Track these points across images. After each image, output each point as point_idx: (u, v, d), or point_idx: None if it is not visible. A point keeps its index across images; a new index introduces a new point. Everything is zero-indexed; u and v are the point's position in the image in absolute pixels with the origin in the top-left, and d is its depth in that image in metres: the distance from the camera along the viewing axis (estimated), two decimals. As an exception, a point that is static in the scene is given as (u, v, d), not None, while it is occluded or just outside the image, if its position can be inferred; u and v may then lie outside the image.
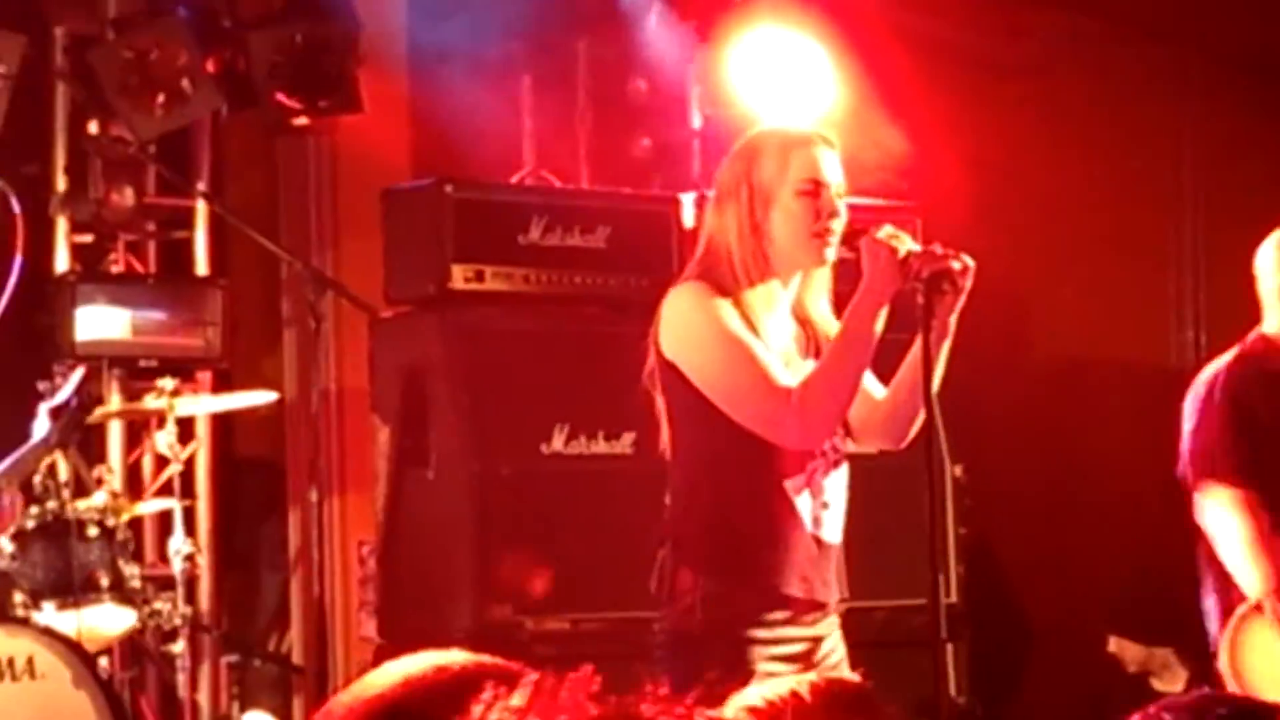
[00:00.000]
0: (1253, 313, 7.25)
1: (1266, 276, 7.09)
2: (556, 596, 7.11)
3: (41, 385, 7.01)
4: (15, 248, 5.21)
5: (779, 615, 5.37)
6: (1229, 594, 6.79)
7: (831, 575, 5.51)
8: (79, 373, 5.96)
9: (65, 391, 6.14)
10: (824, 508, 5.48)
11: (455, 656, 2.09)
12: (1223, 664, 6.70)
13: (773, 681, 3.27)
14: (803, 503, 5.44)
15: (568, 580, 7.12)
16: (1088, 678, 9.62)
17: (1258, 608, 6.64)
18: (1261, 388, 6.88)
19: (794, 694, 3.14)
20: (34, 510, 7.10)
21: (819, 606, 5.45)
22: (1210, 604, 6.93)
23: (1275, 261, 7.11)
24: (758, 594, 5.38)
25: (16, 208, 6.36)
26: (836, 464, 5.52)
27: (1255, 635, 6.63)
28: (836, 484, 5.53)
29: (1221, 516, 6.74)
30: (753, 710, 3.13)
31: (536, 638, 6.94)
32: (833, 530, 5.50)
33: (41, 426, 6.28)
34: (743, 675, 4.97)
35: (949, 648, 7.44)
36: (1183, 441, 6.94)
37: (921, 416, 5.43)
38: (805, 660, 5.36)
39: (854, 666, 5.52)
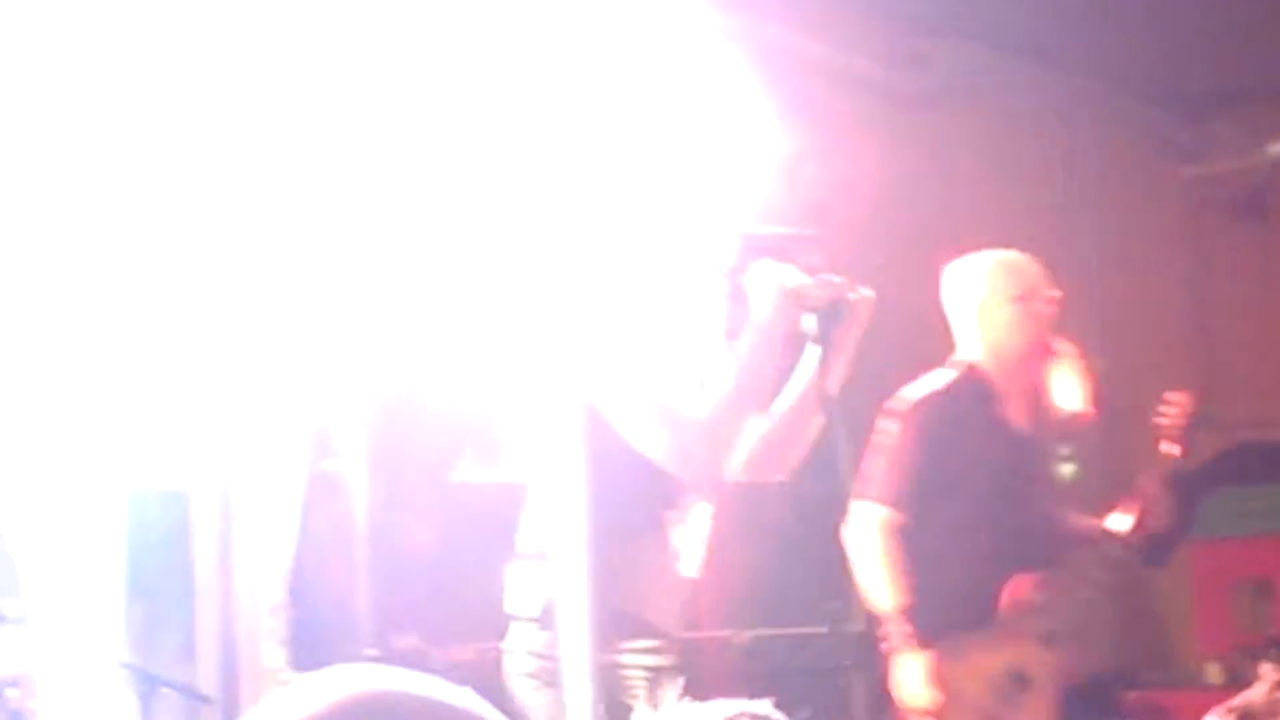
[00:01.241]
0: (1149, 335, 7.05)
1: (960, 302, 7.12)
2: (463, 626, 6.82)
3: None
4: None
5: (629, 636, 5.33)
6: None
7: (690, 606, 5.54)
8: None
9: None
10: (699, 543, 5.41)
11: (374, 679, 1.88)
12: None
13: (682, 712, 3.40)
14: (676, 536, 5.37)
15: (474, 609, 6.54)
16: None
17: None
18: (954, 426, 6.86)
19: None
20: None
21: (672, 637, 5.40)
22: None
23: (973, 287, 7.11)
24: (626, 622, 5.31)
25: None
26: (710, 498, 5.46)
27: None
28: (704, 517, 5.46)
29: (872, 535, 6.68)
30: None
31: (445, 667, 6.63)
32: (698, 565, 5.46)
33: None
34: (618, 696, 5.27)
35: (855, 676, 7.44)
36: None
37: (801, 453, 5.42)
38: (653, 685, 5.32)
39: (764, 694, 5.39)
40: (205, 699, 7.66)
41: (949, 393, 6.89)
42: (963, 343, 6.99)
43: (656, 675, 5.34)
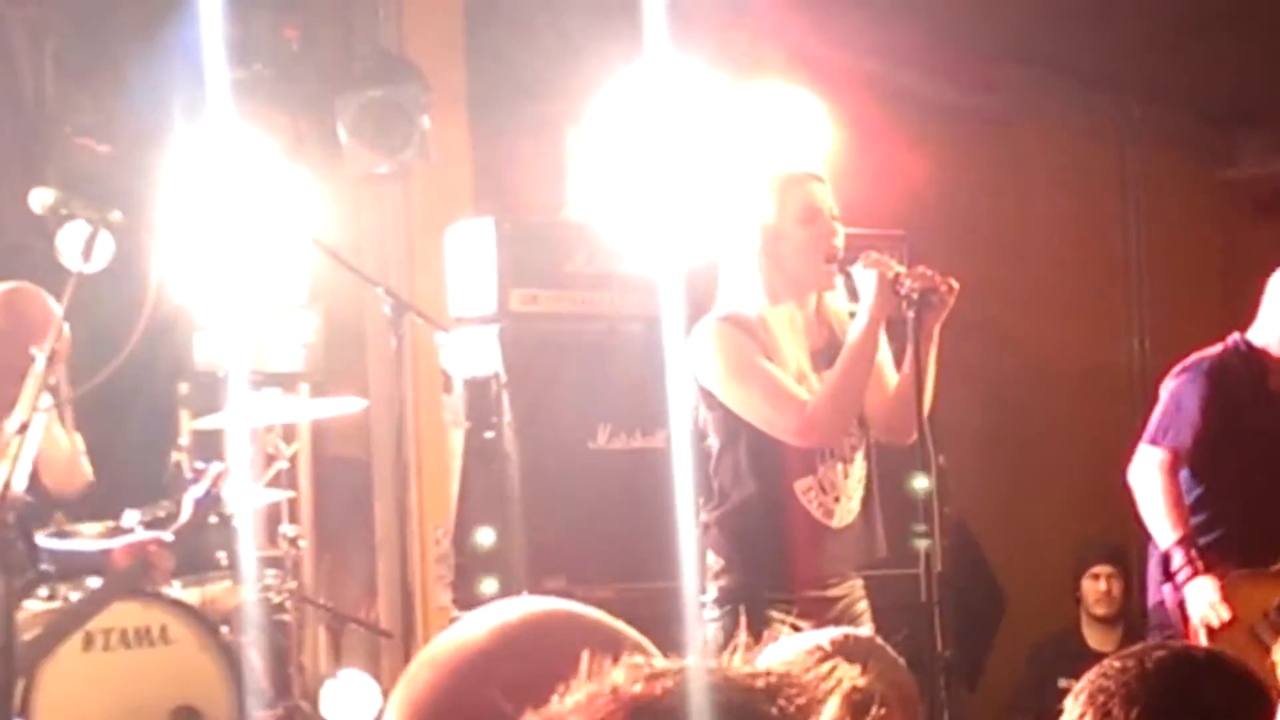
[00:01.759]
0: (1188, 323, 7.26)
1: (1273, 303, 7.00)
2: (602, 569, 7.15)
3: (190, 463, 7.20)
4: (149, 278, 5.28)
5: (784, 593, 5.48)
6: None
7: (847, 551, 5.65)
8: (213, 472, 5.82)
9: (202, 487, 6.08)
10: (835, 501, 5.57)
11: (538, 604, 1.96)
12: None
13: (797, 637, 3.37)
14: (810, 499, 5.55)
15: (611, 555, 7.19)
16: (1047, 631, 9.68)
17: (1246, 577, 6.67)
18: (1240, 374, 6.88)
19: (817, 647, 3.19)
20: (164, 502, 7.18)
21: (826, 581, 5.58)
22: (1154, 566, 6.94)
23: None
24: (768, 576, 5.51)
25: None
26: (848, 459, 5.60)
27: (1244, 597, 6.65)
28: (848, 477, 5.61)
29: (1152, 475, 6.77)
30: (785, 664, 3.14)
31: (588, 604, 6.91)
32: (844, 516, 5.59)
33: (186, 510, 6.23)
34: (760, 630, 5.27)
35: (937, 610, 7.57)
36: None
37: (917, 420, 5.53)
38: (818, 619, 5.35)
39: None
40: (386, 634, 7.96)
41: (1227, 359, 6.88)
42: (1260, 325, 6.96)
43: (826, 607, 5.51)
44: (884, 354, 5.69)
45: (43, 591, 6.37)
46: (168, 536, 6.19)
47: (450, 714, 1.82)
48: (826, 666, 1.78)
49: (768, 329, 5.52)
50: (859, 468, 5.67)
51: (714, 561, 5.58)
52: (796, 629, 5.29)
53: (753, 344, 5.48)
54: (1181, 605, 6.72)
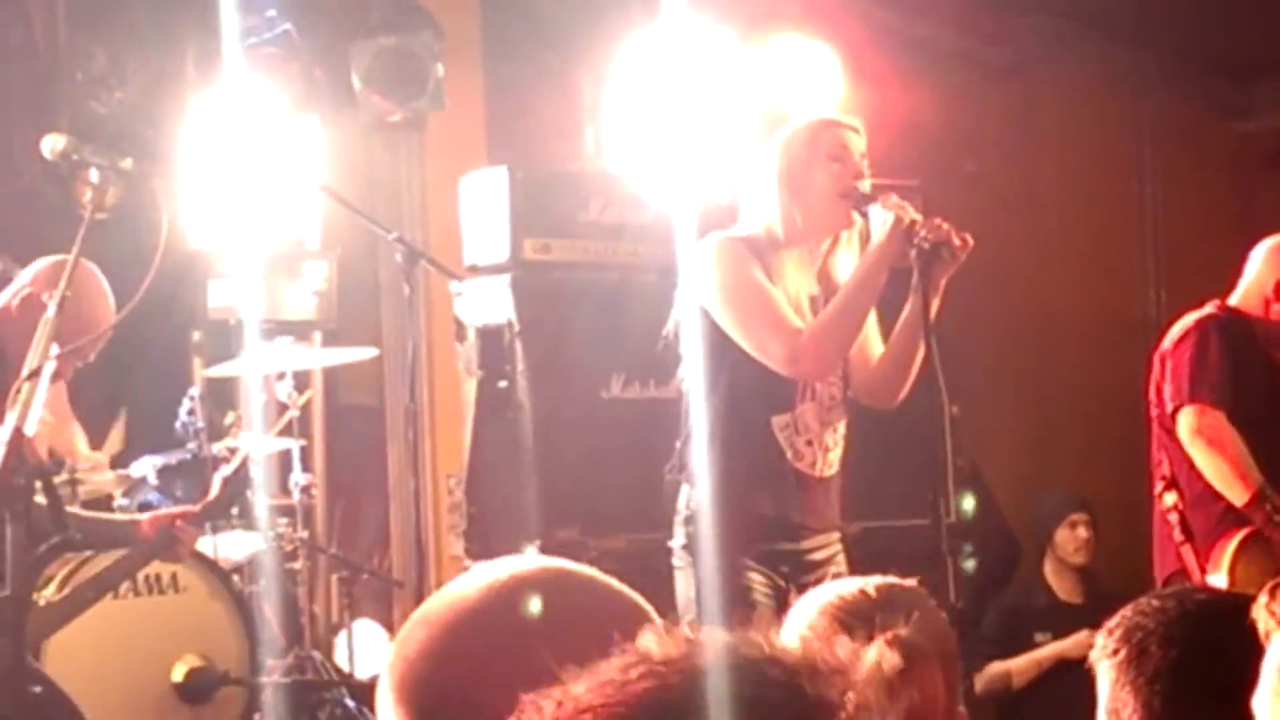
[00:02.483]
0: (1205, 276, 7.23)
1: (1252, 271, 6.95)
2: (615, 519, 7.13)
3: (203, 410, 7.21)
4: (161, 226, 5.23)
5: (762, 535, 5.44)
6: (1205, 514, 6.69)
7: (819, 502, 5.57)
8: (243, 453, 5.79)
9: (232, 466, 6.01)
10: (807, 445, 5.50)
11: (529, 562, 2.01)
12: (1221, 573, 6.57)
13: (841, 582, 3.31)
14: (785, 437, 5.49)
15: (624, 505, 7.10)
16: (1034, 579, 9.62)
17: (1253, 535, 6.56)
18: (1239, 336, 6.79)
19: (861, 592, 3.18)
20: (174, 449, 7.21)
21: (803, 530, 5.51)
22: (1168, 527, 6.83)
23: (1263, 263, 6.92)
24: (744, 516, 5.42)
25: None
26: (829, 410, 5.56)
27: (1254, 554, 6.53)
28: (830, 428, 5.56)
29: (1213, 433, 6.62)
30: (831, 606, 3.16)
31: (600, 554, 6.86)
32: (821, 465, 5.53)
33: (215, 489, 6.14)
34: (734, 586, 5.33)
35: (949, 560, 7.54)
36: (1168, 372, 6.80)
37: (910, 379, 5.53)
38: (792, 570, 5.41)
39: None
40: (398, 583, 8.07)
41: (1222, 320, 6.77)
42: (1241, 292, 6.88)
43: (785, 562, 5.43)
44: (872, 322, 5.62)
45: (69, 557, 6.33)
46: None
47: (442, 671, 1.87)
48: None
49: (777, 255, 5.48)
50: (841, 425, 5.62)
51: (683, 507, 5.55)
52: (770, 582, 5.42)
53: (756, 262, 5.43)
54: (1206, 564, 6.63)
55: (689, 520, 5.49)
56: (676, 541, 5.52)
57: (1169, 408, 6.76)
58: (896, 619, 3.09)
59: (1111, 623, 2.99)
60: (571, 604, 1.91)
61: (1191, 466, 6.71)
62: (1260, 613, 2.31)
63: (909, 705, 2.90)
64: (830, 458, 5.57)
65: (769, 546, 5.43)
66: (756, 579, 5.40)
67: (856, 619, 3.08)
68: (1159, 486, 6.83)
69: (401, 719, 1.87)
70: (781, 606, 4.85)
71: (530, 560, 1.98)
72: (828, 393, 5.57)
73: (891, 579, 3.29)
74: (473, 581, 1.94)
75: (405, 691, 1.87)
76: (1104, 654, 2.93)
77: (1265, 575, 6.26)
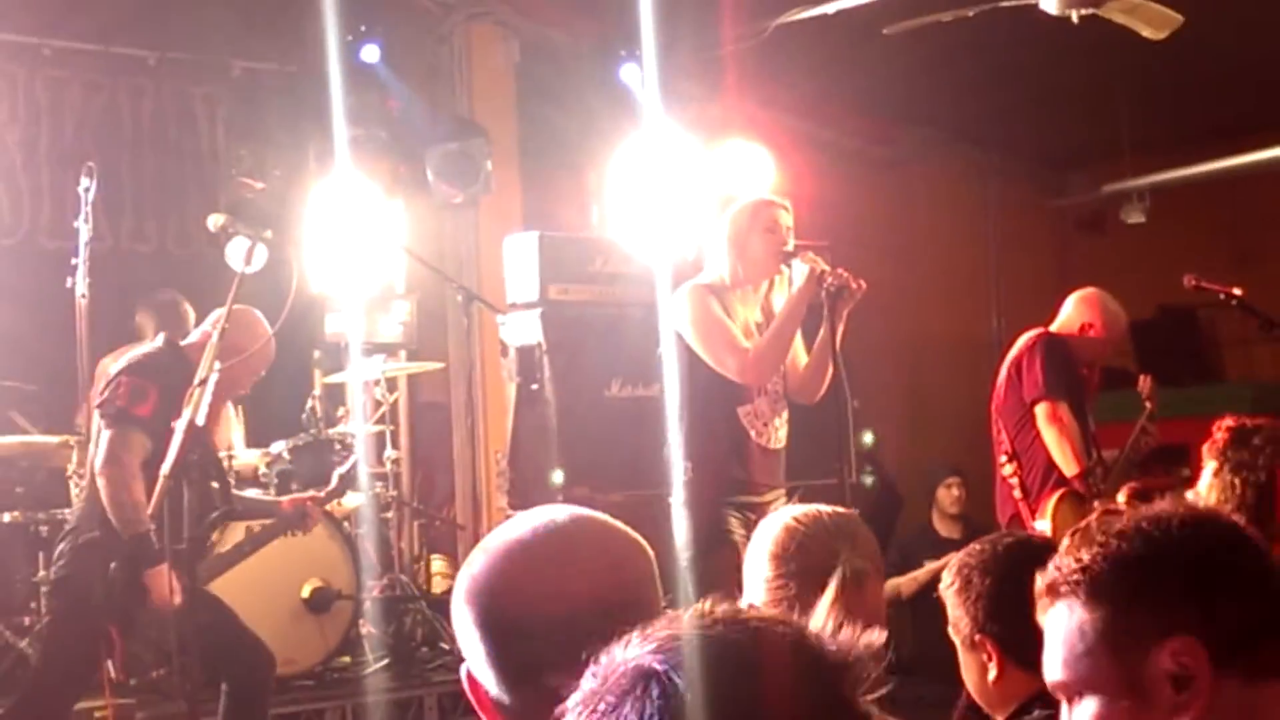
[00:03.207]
0: (1032, 310, 7.24)
1: (1071, 312, 6.92)
2: (615, 480, 7.05)
3: (320, 409, 7.23)
4: (292, 277, 5.27)
5: (736, 490, 5.44)
6: (1036, 478, 6.66)
7: (773, 467, 5.56)
8: (353, 459, 5.82)
9: (345, 466, 6.01)
10: (764, 426, 5.51)
11: (561, 510, 1.93)
12: (1045, 519, 6.52)
13: (795, 508, 3.11)
14: (749, 422, 5.51)
15: (621, 470, 7.08)
16: (907, 526, 9.65)
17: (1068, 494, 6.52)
18: (1067, 353, 6.77)
19: (818, 513, 3.01)
20: (301, 433, 7.21)
21: (763, 486, 5.50)
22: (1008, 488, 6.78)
23: (1079, 310, 6.91)
24: (723, 477, 5.45)
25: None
26: (776, 402, 5.56)
27: (1068, 507, 6.50)
28: (777, 415, 5.57)
29: (1061, 421, 6.59)
30: (795, 520, 2.99)
31: (603, 506, 6.83)
32: (773, 441, 5.53)
33: (333, 481, 6.17)
34: (718, 527, 5.32)
35: (855, 509, 7.54)
36: (1023, 374, 6.71)
37: (824, 382, 5.52)
38: (757, 515, 5.20)
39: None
40: (460, 527, 8.05)
41: (1058, 341, 6.74)
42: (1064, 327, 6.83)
43: (762, 508, 5.33)
44: (798, 342, 5.63)
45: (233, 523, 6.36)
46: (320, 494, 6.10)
47: (498, 587, 1.81)
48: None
49: (729, 296, 5.50)
50: (785, 412, 5.62)
51: (683, 470, 5.49)
52: (742, 522, 5.36)
53: (715, 301, 5.45)
54: (1031, 515, 6.60)
55: (687, 483, 5.46)
56: (676, 497, 5.47)
57: (1027, 400, 6.68)
58: (845, 542, 2.93)
59: (949, 563, 3.01)
60: (589, 538, 1.84)
61: (1030, 444, 6.66)
62: (1060, 551, 2.32)
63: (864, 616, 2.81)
64: (779, 435, 5.59)
65: (740, 499, 5.43)
66: (733, 520, 5.40)
67: (817, 545, 2.93)
68: (1001, 459, 6.76)
69: (470, 619, 1.81)
70: (748, 539, 4.97)
71: (561, 508, 1.91)
72: (774, 390, 5.58)
73: (836, 508, 3.12)
74: (522, 521, 1.88)
75: (472, 599, 1.81)
76: (945, 586, 2.94)
77: (1076, 521, 6.35)
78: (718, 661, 1.18)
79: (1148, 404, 6.94)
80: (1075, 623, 1.80)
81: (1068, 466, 6.54)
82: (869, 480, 7.26)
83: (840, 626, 1.24)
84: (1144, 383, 7.00)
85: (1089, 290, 6.98)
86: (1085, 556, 1.83)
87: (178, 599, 4.80)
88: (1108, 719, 1.76)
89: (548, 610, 1.75)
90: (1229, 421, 3.99)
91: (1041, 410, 6.63)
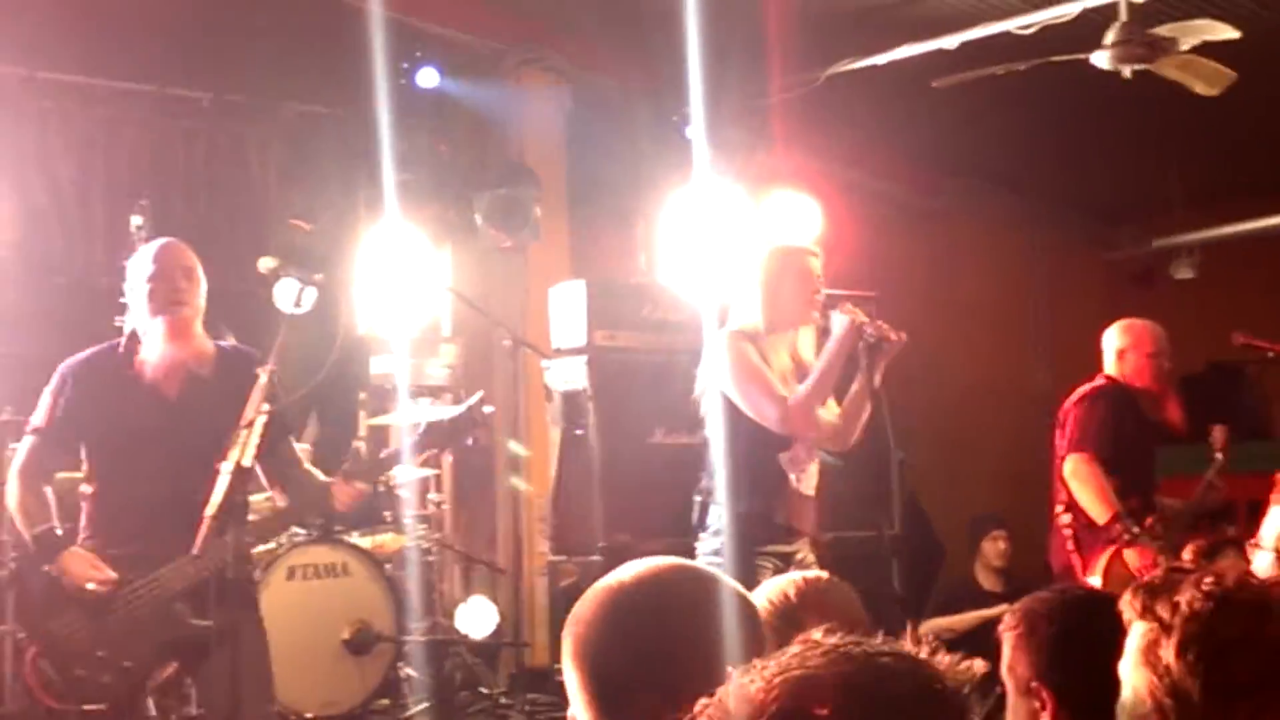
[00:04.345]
0: (1081, 365, 7.20)
1: (1106, 350, 6.90)
2: (657, 527, 6.93)
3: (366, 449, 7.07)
4: (339, 319, 5.28)
5: (771, 538, 5.37)
6: (1088, 531, 6.60)
7: (807, 513, 5.49)
8: (476, 397, 5.41)
9: (460, 409, 5.56)
10: (802, 472, 5.45)
11: (672, 561, 1.99)
12: (1096, 575, 6.48)
13: (771, 583, 3.11)
14: (789, 466, 5.44)
15: (664, 518, 6.90)
16: (948, 578, 9.60)
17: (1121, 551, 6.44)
18: (1123, 401, 6.74)
19: (784, 595, 3.03)
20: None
21: (795, 535, 5.42)
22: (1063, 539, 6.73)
23: (1108, 343, 6.91)
24: (762, 523, 5.38)
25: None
26: (812, 453, 5.50)
27: (1121, 564, 6.43)
28: (812, 461, 5.51)
29: (1083, 474, 6.56)
30: (764, 613, 3.00)
31: (644, 554, 6.79)
32: (808, 487, 5.47)
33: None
34: (751, 577, 5.01)
35: (894, 561, 7.52)
36: (1065, 427, 6.70)
37: (856, 432, 5.47)
38: (786, 565, 5.27)
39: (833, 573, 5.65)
40: (501, 570, 7.98)
41: (1108, 390, 6.75)
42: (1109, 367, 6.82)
43: (790, 555, 5.32)
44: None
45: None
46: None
47: (597, 632, 1.86)
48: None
49: (765, 343, 5.46)
50: (816, 461, 5.56)
51: (713, 516, 5.43)
52: (773, 571, 5.21)
53: (755, 350, 5.42)
54: (1084, 569, 6.53)
55: (719, 532, 5.38)
56: (705, 546, 5.41)
57: (1060, 455, 6.68)
58: (813, 616, 2.84)
59: (1014, 606, 2.99)
60: (688, 588, 1.90)
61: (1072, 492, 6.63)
62: (1124, 605, 2.30)
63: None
64: (813, 482, 5.53)
65: (772, 548, 5.36)
66: (765, 572, 5.18)
67: (783, 620, 2.89)
68: (1059, 508, 6.71)
69: (571, 662, 1.87)
70: None
71: (665, 559, 1.96)
72: (809, 435, 5.52)
73: (812, 574, 3.13)
74: (627, 570, 1.93)
75: (578, 647, 1.87)
76: (1007, 628, 2.91)
77: (1127, 579, 6.26)
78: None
79: (1219, 455, 6.89)
80: None
81: (1099, 515, 6.49)
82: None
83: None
84: (1218, 434, 6.95)
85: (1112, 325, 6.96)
86: None
87: (94, 582, 4.62)
88: None
89: (651, 663, 1.82)
90: None
91: (1068, 464, 6.61)
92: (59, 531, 4.83)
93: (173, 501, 4.69)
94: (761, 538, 5.37)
